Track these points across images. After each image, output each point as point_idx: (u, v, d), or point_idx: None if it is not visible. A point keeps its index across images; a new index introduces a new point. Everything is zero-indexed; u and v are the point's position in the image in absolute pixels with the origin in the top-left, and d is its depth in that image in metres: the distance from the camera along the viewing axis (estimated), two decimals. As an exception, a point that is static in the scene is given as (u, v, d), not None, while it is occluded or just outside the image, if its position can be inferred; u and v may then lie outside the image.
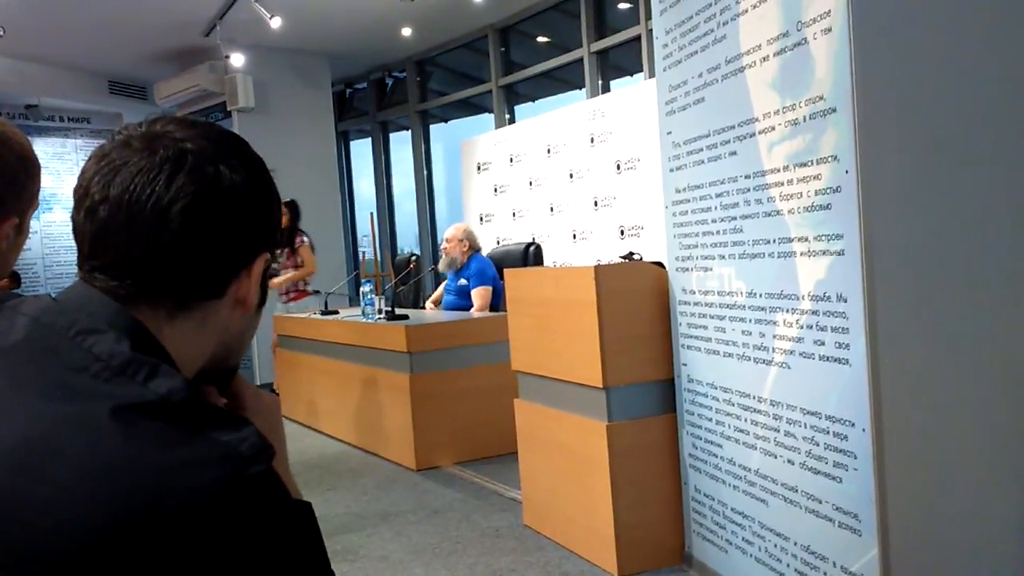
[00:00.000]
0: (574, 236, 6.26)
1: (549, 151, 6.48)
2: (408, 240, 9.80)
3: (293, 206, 6.34)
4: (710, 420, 2.86)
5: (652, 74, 5.39)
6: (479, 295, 5.34)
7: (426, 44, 8.45)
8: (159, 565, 0.59)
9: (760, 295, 2.53)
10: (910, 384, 2.13)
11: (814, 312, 2.29)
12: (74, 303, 0.72)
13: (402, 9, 6.90)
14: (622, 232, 5.76)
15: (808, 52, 2.24)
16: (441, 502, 4.09)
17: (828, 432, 2.27)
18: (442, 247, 5.62)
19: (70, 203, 0.77)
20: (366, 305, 5.36)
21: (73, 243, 0.76)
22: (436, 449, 4.71)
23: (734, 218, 2.62)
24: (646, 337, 3.09)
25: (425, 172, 9.22)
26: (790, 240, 2.37)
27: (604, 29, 7.02)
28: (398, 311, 5.21)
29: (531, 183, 6.72)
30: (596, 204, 6.01)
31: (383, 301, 5.42)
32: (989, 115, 2.21)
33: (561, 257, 6.33)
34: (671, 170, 2.99)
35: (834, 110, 2.15)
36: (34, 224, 1.26)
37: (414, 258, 6.49)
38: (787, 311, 2.41)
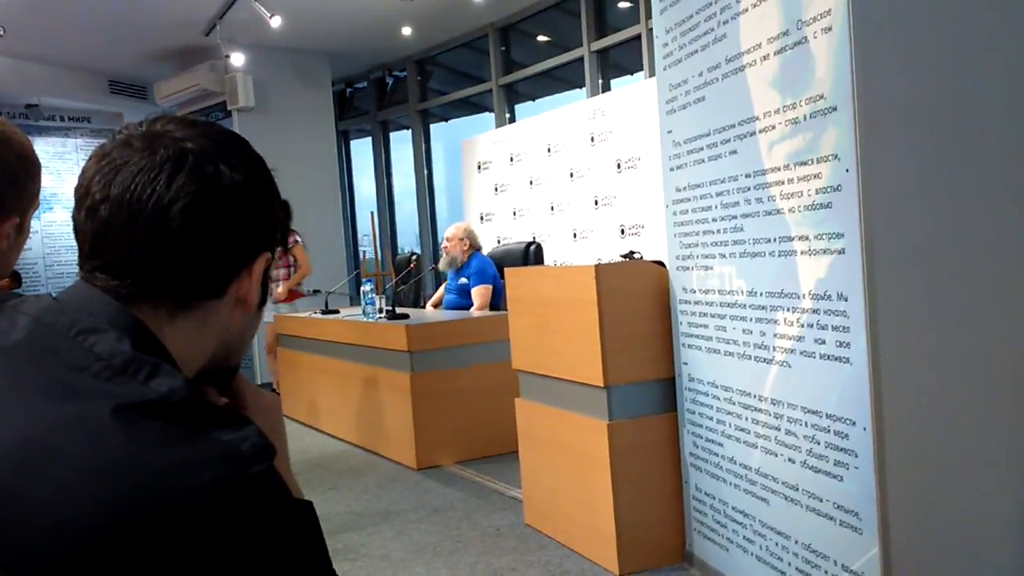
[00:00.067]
0: (574, 235, 6.26)
1: (549, 150, 6.48)
2: (408, 239, 9.81)
3: (284, 206, 6.35)
4: (711, 419, 2.86)
5: (652, 73, 5.39)
6: (479, 294, 5.34)
7: (426, 43, 8.44)
8: (160, 564, 0.59)
9: (761, 294, 2.53)
10: (911, 383, 2.13)
11: (815, 311, 2.29)
12: (75, 302, 0.72)
13: (402, 8, 6.90)
14: (622, 231, 5.76)
15: (808, 51, 2.24)
16: (442, 501, 4.09)
17: (829, 431, 2.27)
18: (442, 246, 5.62)
19: (71, 203, 0.77)
20: (367, 304, 5.36)
21: (74, 243, 0.76)
22: (437, 448, 4.71)
23: (735, 217, 2.62)
24: (647, 336, 3.09)
25: (425, 171, 9.22)
26: (791, 239, 2.37)
27: (604, 28, 7.02)
28: (399, 310, 5.21)
29: (531, 182, 6.72)
30: (596, 203, 6.01)
31: (384, 300, 5.43)
32: (990, 113, 2.21)
33: (561, 256, 6.33)
34: (671, 169, 2.99)
35: (834, 109, 2.15)
36: (35, 224, 1.26)
37: (414, 257, 6.49)
38: (788, 310, 2.41)
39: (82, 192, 0.74)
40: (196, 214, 0.72)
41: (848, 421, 2.19)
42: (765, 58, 2.43)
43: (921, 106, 2.14)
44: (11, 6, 6.40)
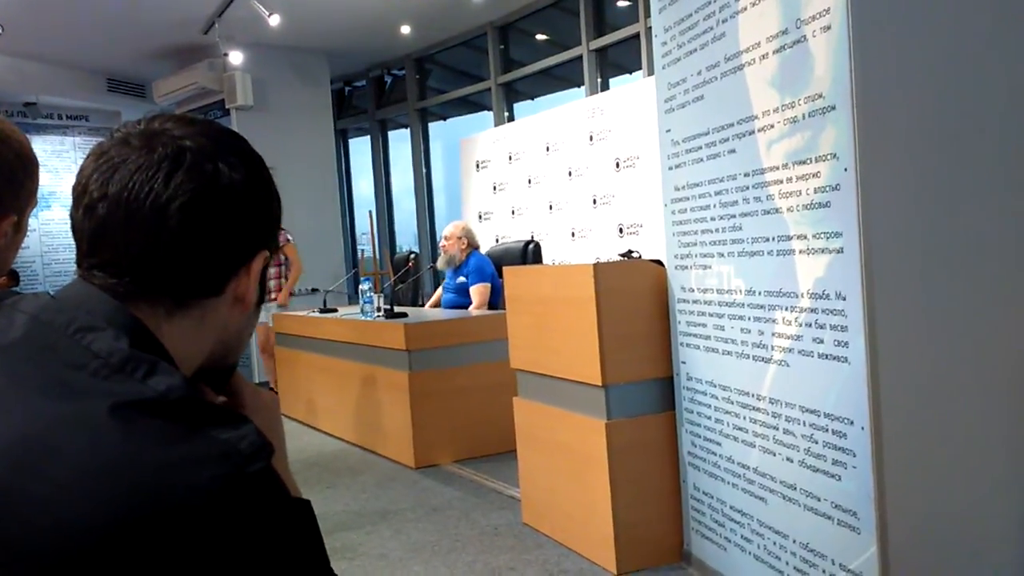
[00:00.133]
0: (573, 234, 6.26)
1: (548, 149, 6.48)
2: (407, 238, 9.81)
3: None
4: (709, 418, 2.86)
5: (651, 72, 5.39)
6: (478, 291, 5.34)
7: (425, 42, 8.44)
8: (158, 563, 0.59)
9: (759, 293, 2.53)
10: (909, 382, 2.14)
11: (813, 310, 2.29)
12: (73, 301, 0.72)
13: (401, 7, 6.89)
14: (621, 230, 5.76)
15: (807, 50, 2.24)
16: (440, 500, 4.09)
17: (827, 430, 2.27)
18: (440, 245, 5.63)
19: (69, 201, 0.77)
20: (365, 303, 5.36)
21: (72, 241, 0.76)
22: (435, 447, 4.71)
23: (733, 216, 2.62)
24: (645, 335, 3.09)
25: (424, 170, 9.22)
26: (789, 238, 2.37)
27: (603, 27, 7.02)
28: (397, 309, 5.22)
29: (530, 181, 6.72)
30: (595, 202, 6.01)
31: (382, 299, 5.42)
32: (989, 112, 2.21)
33: (560, 255, 6.33)
34: (670, 168, 2.99)
35: (833, 108, 2.15)
36: (32, 222, 1.26)
37: (413, 256, 6.49)
38: (786, 309, 2.41)
39: (80, 190, 0.74)
40: (194, 212, 0.72)
41: (846, 420, 2.19)
42: (764, 57, 2.43)
43: (920, 105, 2.14)
44: (10, 4, 6.40)
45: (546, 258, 5.81)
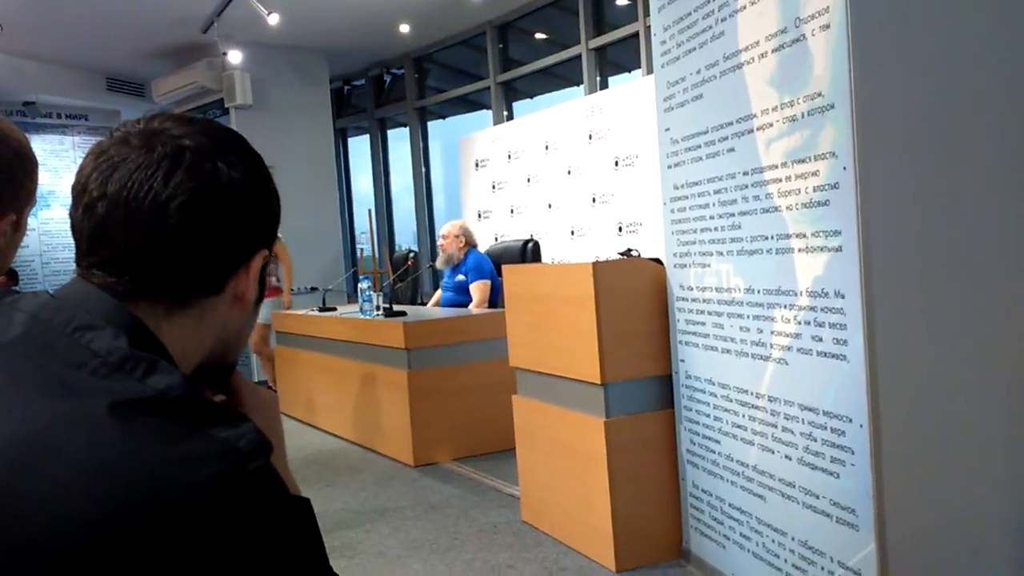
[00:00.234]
0: (572, 233, 6.26)
1: (547, 148, 6.48)
2: (406, 237, 9.81)
3: None
4: (708, 416, 2.86)
5: (650, 70, 5.39)
6: (478, 288, 5.35)
7: (424, 41, 8.43)
8: (157, 561, 0.59)
9: (758, 291, 2.53)
10: (908, 380, 2.14)
11: (812, 308, 2.29)
12: (72, 299, 0.72)
13: (400, 6, 6.89)
14: (620, 228, 5.76)
15: (806, 48, 2.24)
16: (439, 498, 4.09)
17: (826, 428, 2.27)
18: (438, 244, 5.63)
19: (68, 200, 0.77)
20: (364, 302, 5.36)
21: (71, 240, 0.76)
22: (434, 445, 4.71)
23: (732, 214, 2.62)
24: (644, 333, 3.09)
25: (423, 169, 9.21)
26: (788, 236, 2.37)
27: (602, 25, 7.01)
28: (396, 307, 5.22)
29: (529, 180, 6.72)
30: (594, 200, 6.01)
31: (381, 298, 5.43)
32: (988, 111, 2.21)
33: (559, 253, 6.33)
34: (669, 166, 2.99)
35: (832, 106, 2.16)
36: (32, 221, 1.26)
37: (412, 255, 6.50)
38: (785, 307, 2.41)
39: (79, 189, 0.74)
40: (193, 211, 0.72)
41: (845, 418, 2.20)
42: (763, 56, 2.43)
43: (919, 104, 2.14)
44: (9, 4, 6.39)
45: (545, 257, 5.81)
